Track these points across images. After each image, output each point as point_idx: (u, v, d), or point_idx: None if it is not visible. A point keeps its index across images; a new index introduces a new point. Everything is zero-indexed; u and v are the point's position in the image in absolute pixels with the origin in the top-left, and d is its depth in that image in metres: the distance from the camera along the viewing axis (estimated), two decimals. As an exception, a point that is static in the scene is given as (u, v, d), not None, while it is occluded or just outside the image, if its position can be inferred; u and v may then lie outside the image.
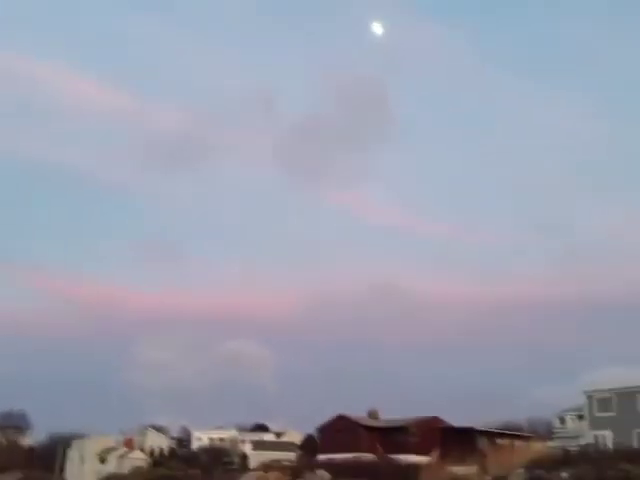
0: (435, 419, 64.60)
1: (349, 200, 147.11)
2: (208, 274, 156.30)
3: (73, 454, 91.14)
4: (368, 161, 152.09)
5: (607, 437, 47.98)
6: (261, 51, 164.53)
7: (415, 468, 49.13)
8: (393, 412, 70.35)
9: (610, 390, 50.80)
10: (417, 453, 57.84)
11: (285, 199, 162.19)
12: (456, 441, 55.41)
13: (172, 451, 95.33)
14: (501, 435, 60.73)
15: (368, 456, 58.07)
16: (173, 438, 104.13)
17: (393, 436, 63.78)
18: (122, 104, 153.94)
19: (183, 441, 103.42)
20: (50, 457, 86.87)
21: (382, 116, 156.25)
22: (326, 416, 68.91)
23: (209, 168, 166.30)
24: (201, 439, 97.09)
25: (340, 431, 64.66)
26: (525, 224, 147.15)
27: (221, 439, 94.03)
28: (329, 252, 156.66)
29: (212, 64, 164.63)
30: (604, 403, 50.73)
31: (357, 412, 69.38)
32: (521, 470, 40.47)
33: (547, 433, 71.64)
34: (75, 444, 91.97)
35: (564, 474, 37.52)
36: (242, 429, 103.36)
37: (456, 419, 66.15)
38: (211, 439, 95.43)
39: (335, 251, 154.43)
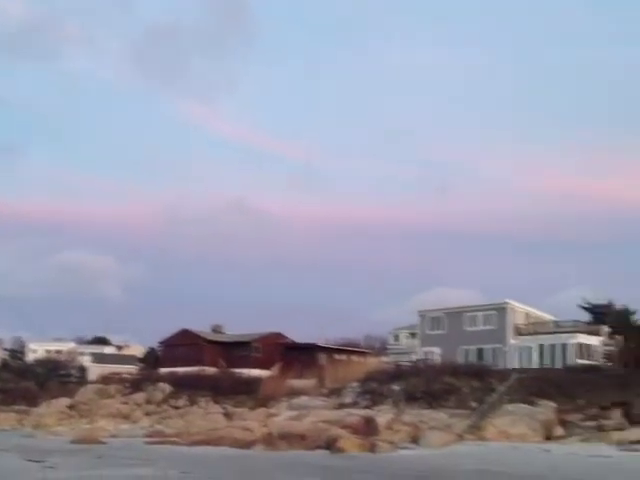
0: (278, 335, 66.25)
1: (206, 113, 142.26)
2: (48, 179, 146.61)
3: None
4: (228, 74, 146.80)
5: (436, 353, 51.65)
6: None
7: (256, 381, 50.44)
8: (237, 328, 71.40)
9: (440, 310, 54.48)
10: (259, 367, 59.33)
11: (138, 106, 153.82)
12: (297, 356, 57.33)
13: (4, 362, 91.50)
14: (339, 351, 63.42)
15: (210, 370, 58.81)
16: (6, 350, 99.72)
17: (236, 351, 64.81)
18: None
19: (17, 353, 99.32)
20: None
21: (246, 28, 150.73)
22: (170, 330, 68.77)
23: (54, 64, 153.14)
24: (36, 351, 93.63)
25: (183, 345, 64.74)
26: (379, 152, 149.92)
27: (58, 351, 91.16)
28: (182, 165, 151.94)
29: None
30: (435, 322, 54.37)
31: (201, 327, 69.72)
32: (356, 383, 42.64)
33: (382, 349, 75.82)
34: None
35: (396, 387, 39.95)
36: (81, 342, 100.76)
37: (298, 335, 68.34)
38: (47, 351, 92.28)
39: (188, 165, 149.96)
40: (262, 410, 40.84)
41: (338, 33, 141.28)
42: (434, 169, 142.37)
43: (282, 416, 36.95)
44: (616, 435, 29.75)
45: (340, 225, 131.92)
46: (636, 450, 26.62)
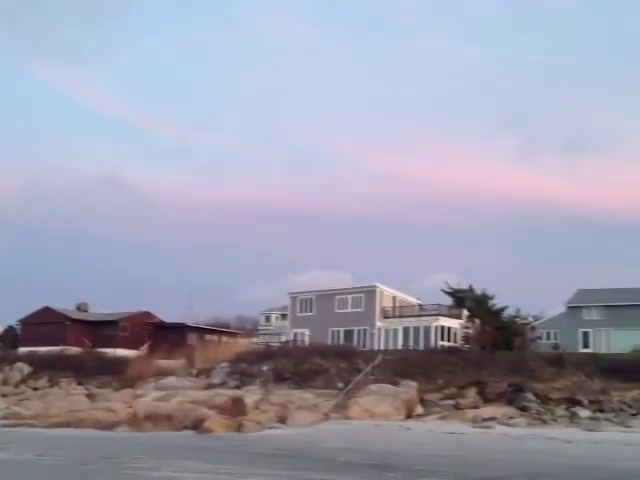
0: (146, 314, 65.06)
1: (76, 82, 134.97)
2: None
3: None
4: (102, 43, 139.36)
5: (306, 334, 52.53)
6: None
7: (123, 361, 49.16)
8: (104, 306, 69.39)
9: (311, 292, 55.44)
10: (126, 347, 58.01)
11: (1, 72, 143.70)
12: (166, 336, 56.46)
13: None
14: (210, 331, 63.07)
15: (74, 349, 56.81)
16: None
17: (102, 330, 63.06)
18: None
19: None
20: None
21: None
22: (31, 308, 65.73)
23: None
24: None
25: (45, 324, 62.13)
26: (255, 132, 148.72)
27: None
28: (47, 136, 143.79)
29: None
30: (305, 304, 55.26)
31: (66, 305, 67.10)
32: (225, 364, 42.57)
33: (253, 330, 76.11)
34: None
35: (265, 367, 40.25)
36: None
37: (168, 315, 67.35)
38: None
39: (54, 136, 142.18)
40: (128, 391, 39.84)
41: (217, 5, 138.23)
42: (303, 151, 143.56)
43: (149, 397, 36.23)
44: (471, 413, 31.49)
45: (212, 204, 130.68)
46: (488, 427, 28.34)
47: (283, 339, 56.31)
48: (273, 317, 77.88)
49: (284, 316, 66.16)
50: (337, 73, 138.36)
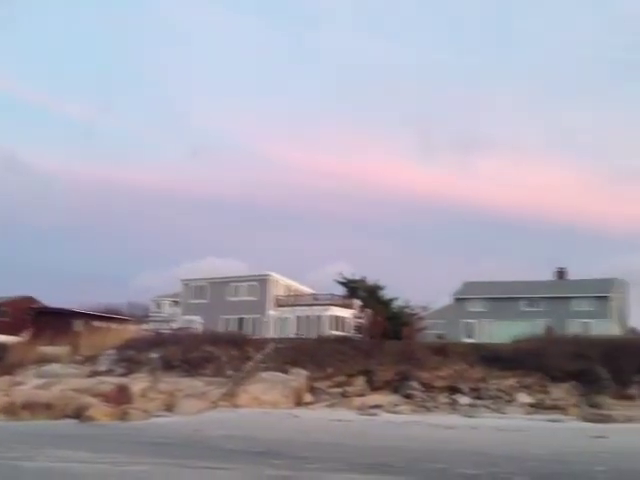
0: (29, 299, 62.40)
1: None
2: None
3: None
4: (4, 18, 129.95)
5: (198, 322, 51.94)
6: None
7: (2, 347, 46.88)
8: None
9: (205, 279, 54.90)
10: (7, 333, 55.31)
11: None
12: (50, 321, 54.26)
13: None
14: (98, 317, 61.11)
15: (-51, 335, 53.63)
16: None
17: (-19, 315, 59.90)
18: None
19: None
20: None
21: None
22: None
23: None
24: None
25: None
26: (158, 117, 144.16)
27: None
28: None
29: None
30: (198, 291, 54.64)
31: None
32: (112, 351, 41.42)
33: (144, 317, 74.31)
34: None
35: (154, 355, 39.43)
36: None
37: (54, 300, 64.75)
38: None
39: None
40: (6, 378, 37.99)
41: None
42: (204, 138, 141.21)
43: (28, 384, 34.73)
44: (358, 401, 32.14)
45: (108, 187, 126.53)
46: (374, 414, 29.05)
47: (175, 326, 55.36)
48: (165, 304, 76.33)
49: (177, 303, 65.02)
50: (243, 60, 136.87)
